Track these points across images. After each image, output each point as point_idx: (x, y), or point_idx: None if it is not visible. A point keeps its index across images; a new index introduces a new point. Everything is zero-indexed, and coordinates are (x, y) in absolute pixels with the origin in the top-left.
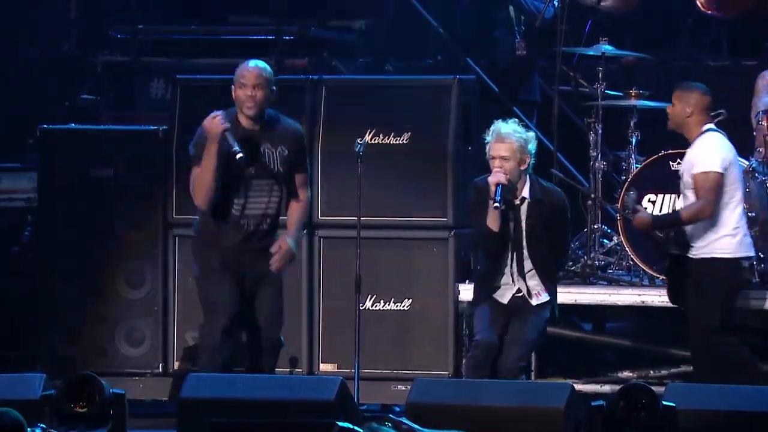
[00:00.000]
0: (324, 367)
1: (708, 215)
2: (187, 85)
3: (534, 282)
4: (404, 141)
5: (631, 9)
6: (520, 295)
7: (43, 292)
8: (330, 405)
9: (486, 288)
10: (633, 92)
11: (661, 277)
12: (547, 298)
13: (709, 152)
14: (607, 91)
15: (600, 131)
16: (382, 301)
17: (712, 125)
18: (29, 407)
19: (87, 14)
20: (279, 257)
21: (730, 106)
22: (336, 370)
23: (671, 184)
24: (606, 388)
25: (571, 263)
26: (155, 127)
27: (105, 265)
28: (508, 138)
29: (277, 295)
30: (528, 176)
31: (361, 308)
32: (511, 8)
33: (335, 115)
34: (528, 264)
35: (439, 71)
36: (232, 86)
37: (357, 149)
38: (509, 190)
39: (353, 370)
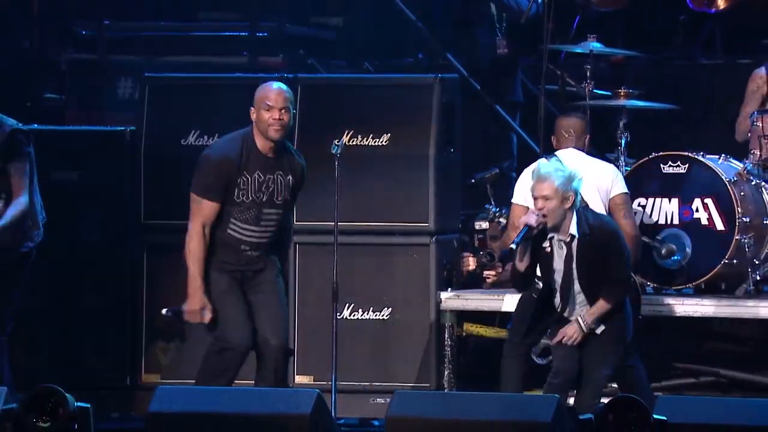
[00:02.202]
0: (299, 379)
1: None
2: (155, 84)
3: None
4: (383, 142)
5: (621, 5)
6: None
7: None
8: (306, 419)
9: (538, 329)
10: (622, 92)
11: (652, 284)
12: (602, 328)
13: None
14: (595, 91)
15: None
16: (360, 310)
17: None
18: None
19: (50, 10)
20: None
21: (723, 106)
22: (312, 382)
23: (662, 187)
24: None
25: None
26: (122, 128)
27: (70, 272)
28: (549, 177)
29: (278, 303)
30: (575, 212)
31: (338, 318)
32: (492, 5)
33: (311, 115)
34: (580, 299)
35: (420, 70)
36: (252, 108)
37: (334, 151)
38: (549, 230)
39: (330, 383)
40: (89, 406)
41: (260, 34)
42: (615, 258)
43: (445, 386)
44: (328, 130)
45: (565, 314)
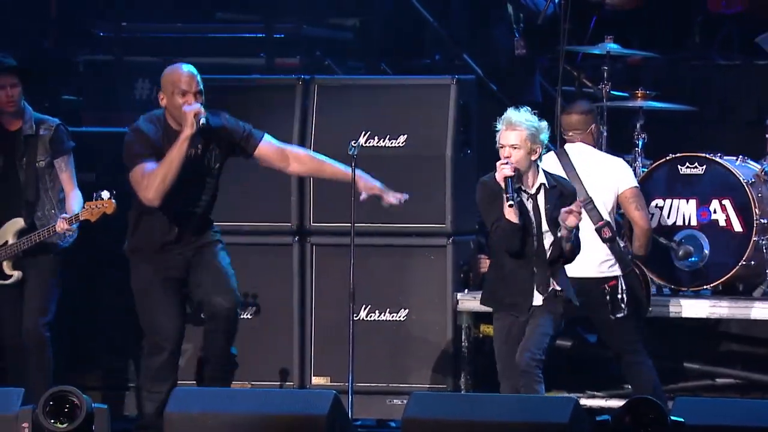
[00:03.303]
0: (316, 380)
1: None
2: None
3: (555, 271)
4: (400, 144)
5: (638, 6)
6: (551, 289)
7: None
8: (323, 420)
9: (511, 292)
10: (639, 93)
11: (669, 286)
12: (559, 288)
13: None
14: (612, 92)
15: (605, 133)
16: (377, 312)
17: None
18: (6, 423)
19: (68, 11)
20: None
21: (741, 107)
22: (329, 383)
23: (679, 188)
24: (612, 403)
25: None
26: None
27: (87, 273)
28: (519, 126)
29: (216, 263)
30: (539, 166)
31: (355, 319)
32: (509, 6)
33: (328, 116)
34: (548, 253)
35: (437, 71)
36: (160, 92)
37: (350, 152)
38: (518, 179)
39: (347, 384)
40: (106, 406)
41: (277, 36)
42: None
43: (462, 387)
44: (345, 132)
45: (539, 270)
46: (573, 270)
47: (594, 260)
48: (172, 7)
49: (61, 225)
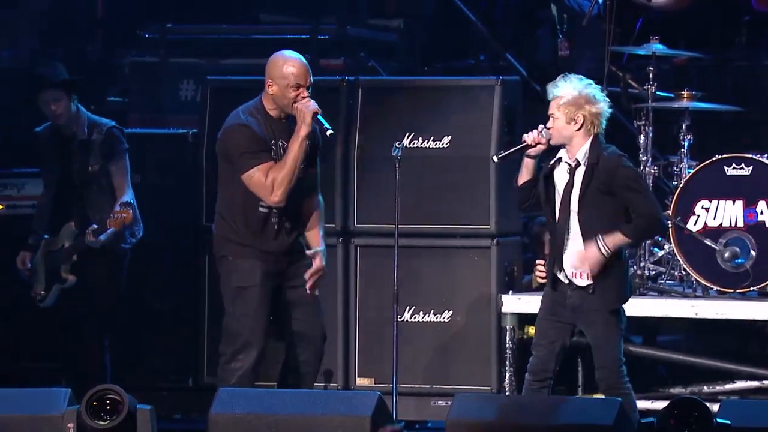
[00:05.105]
0: (360, 381)
1: None
2: (217, 87)
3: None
4: (444, 145)
5: (685, 6)
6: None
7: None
8: (367, 421)
9: (549, 262)
10: (685, 93)
11: (715, 287)
12: (589, 282)
13: None
14: (658, 93)
15: (650, 134)
16: (421, 313)
17: None
18: (53, 423)
19: (114, 13)
20: (315, 279)
21: None
22: (373, 384)
23: (725, 190)
24: (657, 405)
25: None
26: (184, 131)
27: (133, 273)
28: (557, 94)
29: (320, 310)
30: (591, 140)
31: (399, 320)
32: (553, 7)
33: (372, 117)
34: (576, 235)
35: (481, 72)
36: (269, 80)
37: (395, 153)
38: (548, 152)
39: (391, 385)
40: (150, 407)
41: (321, 37)
42: (629, 194)
43: (507, 389)
44: (389, 133)
45: (562, 253)
46: None
47: None
48: (217, 8)
49: (88, 236)
